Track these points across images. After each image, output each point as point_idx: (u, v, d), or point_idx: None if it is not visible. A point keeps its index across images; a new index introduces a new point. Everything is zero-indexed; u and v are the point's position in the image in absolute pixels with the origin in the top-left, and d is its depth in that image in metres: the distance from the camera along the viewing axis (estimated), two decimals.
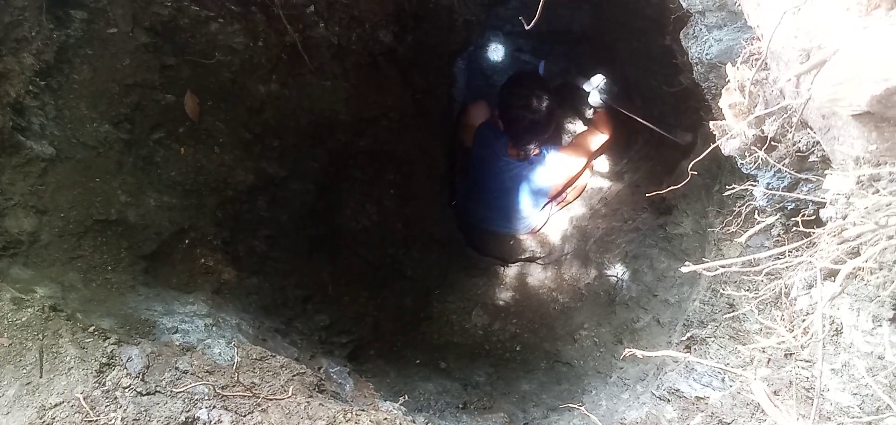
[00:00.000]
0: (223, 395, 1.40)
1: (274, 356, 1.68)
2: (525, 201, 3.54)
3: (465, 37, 3.08)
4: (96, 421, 1.28)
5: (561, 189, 3.63)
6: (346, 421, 1.40)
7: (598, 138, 3.65)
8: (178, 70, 2.04)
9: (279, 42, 2.18)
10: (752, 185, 1.45)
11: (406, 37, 2.69)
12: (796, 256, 1.18)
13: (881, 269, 0.96)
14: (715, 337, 1.66)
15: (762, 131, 1.21)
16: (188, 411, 1.35)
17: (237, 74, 2.15)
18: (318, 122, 2.48)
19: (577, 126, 4.08)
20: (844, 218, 0.98)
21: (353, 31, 2.35)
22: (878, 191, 0.92)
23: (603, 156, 3.85)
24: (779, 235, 1.49)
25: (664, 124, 2.93)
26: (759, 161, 1.25)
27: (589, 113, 3.88)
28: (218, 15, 2.05)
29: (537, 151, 3.50)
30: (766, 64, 1.13)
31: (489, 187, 3.58)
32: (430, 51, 2.97)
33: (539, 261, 3.45)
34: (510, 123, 3.47)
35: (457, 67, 3.84)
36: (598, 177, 3.78)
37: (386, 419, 1.47)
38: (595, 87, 3.46)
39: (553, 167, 3.50)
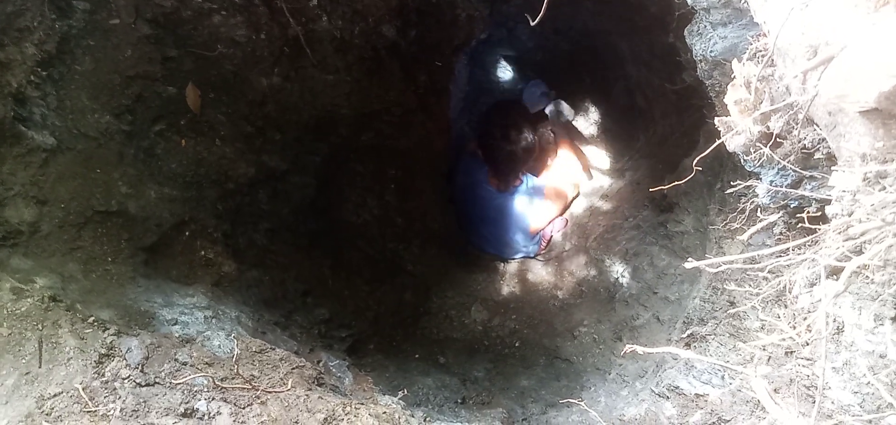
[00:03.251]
0: (222, 387, 1.40)
1: (273, 349, 1.68)
2: (514, 231, 3.47)
3: (468, 32, 3.07)
4: (95, 411, 1.27)
5: (551, 218, 3.53)
6: (345, 415, 1.40)
7: (574, 165, 3.63)
8: (180, 62, 2.03)
9: (282, 35, 2.17)
10: (755, 183, 1.45)
11: (409, 31, 2.68)
12: (799, 253, 1.18)
13: (886, 267, 0.96)
14: (715, 334, 1.66)
15: (768, 128, 1.21)
16: (187, 402, 1.34)
17: (239, 67, 2.15)
18: (320, 116, 2.47)
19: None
20: (850, 215, 0.98)
21: (355, 25, 2.34)
22: (884, 187, 0.91)
23: (601, 157, 3.83)
24: (781, 233, 1.48)
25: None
26: (764, 158, 1.24)
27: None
28: (220, 7, 2.04)
29: (518, 181, 3.48)
30: (773, 60, 1.13)
31: (474, 216, 3.55)
32: (433, 46, 2.96)
33: (539, 258, 3.44)
34: (489, 154, 3.47)
35: (459, 62, 3.81)
36: (597, 175, 3.76)
37: (385, 413, 1.47)
38: (555, 108, 3.51)
39: (537, 196, 3.47)
